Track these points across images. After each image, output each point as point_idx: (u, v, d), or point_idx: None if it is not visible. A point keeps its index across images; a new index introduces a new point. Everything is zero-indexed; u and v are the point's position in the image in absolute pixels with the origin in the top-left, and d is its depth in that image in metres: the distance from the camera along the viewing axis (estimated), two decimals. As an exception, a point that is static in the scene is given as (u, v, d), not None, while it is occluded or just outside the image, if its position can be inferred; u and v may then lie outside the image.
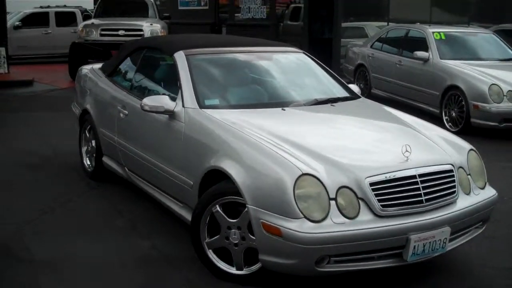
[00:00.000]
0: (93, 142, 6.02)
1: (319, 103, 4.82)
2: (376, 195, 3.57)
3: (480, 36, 10.43)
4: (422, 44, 9.91)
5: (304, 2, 15.37)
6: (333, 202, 3.51)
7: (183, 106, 4.48)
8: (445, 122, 8.89)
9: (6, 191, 5.79)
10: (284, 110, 4.53)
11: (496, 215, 4.90)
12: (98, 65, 6.51)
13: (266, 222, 3.53)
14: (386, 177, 3.63)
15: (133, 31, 13.67)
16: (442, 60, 9.44)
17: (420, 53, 9.68)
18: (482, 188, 4.16)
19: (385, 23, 14.93)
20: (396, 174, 3.66)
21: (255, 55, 5.24)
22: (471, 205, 3.94)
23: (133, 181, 5.39)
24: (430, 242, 3.67)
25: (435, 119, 7.83)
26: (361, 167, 3.68)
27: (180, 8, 20.20)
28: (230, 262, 3.91)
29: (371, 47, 11.59)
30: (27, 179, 6.18)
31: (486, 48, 10.07)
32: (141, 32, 13.63)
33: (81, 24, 15.12)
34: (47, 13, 19.02)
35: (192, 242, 4.04)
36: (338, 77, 5.47)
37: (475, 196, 4.03)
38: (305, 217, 3.45)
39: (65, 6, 20.46)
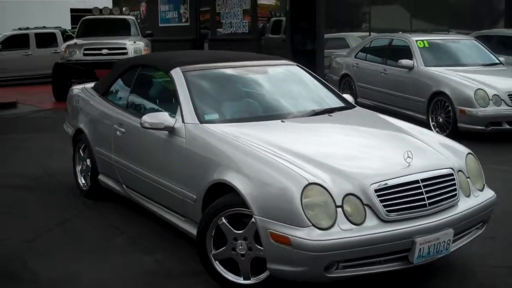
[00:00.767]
0: (88, 161, 6.02)
1: (317, 114, 4.90)
2: (381, 201, 3.64)
3: (462, 43, 10.62)
4: (406, 52, 10.06)
5: (286, 15, 15.50)
6: (339, 210, 3.57)
7: (183, 121, 4.53)
8: (432, 128, 9.02)
9: (2, 213, 5.76)
10: (284, 122, 4.60)
11: (492, 216, 4.99)
12: (90, 85, 6.52)
13: (275, 232, 3.58)
14: (389, 183, 3.71)
15: (116, 50, 13.68)
16: (426, 67, 9.59)
17: (405, 61, 9.83)
18: (481, 190, 4.26)
19: (367, 33, 15.12)
20: (399, 180, 3.74)
21: (249, 69, 5.31)
22: (472, 207, 4.03)
23: (131, 198, 5.40)
24: (434, 244, 3.75)
25: (423, 125, 7.83)
26: (366, 174, 3.75)
27: (160, 25, 20.25)
28: (237, 273, 3.95)
29: (355, 57, 11.74)
30: (22, 201, 6.15)
31: (468, 54, 10.26)
32: (125, 51, 13.65)
33: (63, 45, 15.09)
34: (27, 35, 18.96)
35: (198, 254, 4.06)
36: (332, 88, 5.56)
37: (475, 198, 4.13)
38: (313, 225, 3.50)
39: (44, 27, 20.41)
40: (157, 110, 5.02)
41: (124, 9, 16.51)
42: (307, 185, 3.57)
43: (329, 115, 4.89)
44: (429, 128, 8.83)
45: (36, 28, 19.97)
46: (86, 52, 13.74)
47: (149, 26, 19.23)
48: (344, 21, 17.50)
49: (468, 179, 4.19)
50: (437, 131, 8.87)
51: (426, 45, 10.07)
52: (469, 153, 4.40)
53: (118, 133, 5.35)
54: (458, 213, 3.90)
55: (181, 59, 5.26)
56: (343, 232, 3.52)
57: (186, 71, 4.95)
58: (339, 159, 3.95)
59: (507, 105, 8.52)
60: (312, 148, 4.09)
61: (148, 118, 4.59)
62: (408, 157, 3.86)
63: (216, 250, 3.98)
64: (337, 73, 12.33)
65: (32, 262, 4.55)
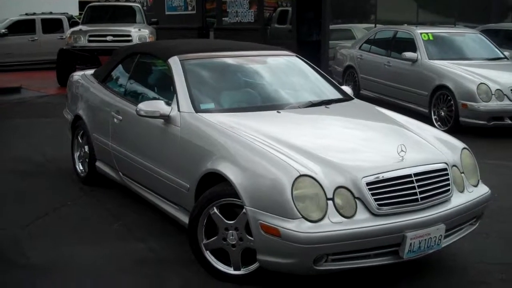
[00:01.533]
0: (86, 148, 6.03)
1: (314, 105, 4.87)
2: (373, 194, 3.62)
3: (467, 36, 10.55)
4: (410, 45, 10.01)
5: (292, 5, 15.44)
6: (330, 202, 3.56)
7: (178, 110, 4.52)
8: (434, 122, 8.99)
9: (-1, 198, 5.79)
10: (279, 112, 4.58)
11: (487, 212, 4.97)
12: (90, 71, 6.52)
13: (265, 223, 3.57)
14: (382, 176, 3.69)
15: (121, 37, 13.67)
16: (430, 61, 9.54)
17: (409, 54, 9.77)
18: (475, 186, 4.23)
19: (372, 25, 15.03)
20: (392, 174, 3.72)
21: (248, 59, 5.28)
22: (465, 203, 4.01)
23: (127, 185, 5.40)
24: (425, 239, 3.73)
25: (424, 119, 7.88)
26: (357, 167, 3.74)
27: (167, 13, 20.21)
28: (227, 263, 3.95)
29: (359, 48, 11.68)
30: (20, 186, 6.17)
31: (473, 48, 10.19)
32: (129, 38, 13.63)
33: (69, 31, 15.08)
34: (33, 20, 18.94)
35: (189, 244, 4.07)
36: (331, 79, 5.54)
37: (468, 194, 4.10)
38: (303, 217, 3.49)
39: (51, 13, 20.38)
40: (154, 98, 5.01)
41: (130, -4, 16.51)
42: (298, 177, 3.56)
43: (326, 107, 4.87)
44: (431, 122, 8.81)
45: (42, 13, 19.95)
46: (90, 38, 13.73)
47: (156, 14, 19.20)
48: (351, 12, 17.40)
49: (463, 174, 4.16)
50: (438, 125, 8.85)
51: (431, 38, 10.01)
52: (464, 148, 4.36)
53: (115, 120, 5.35)
54: (450, 209, 3.87)
55: (179, 48, 5.24)
56: (333, 225, 3.51)
57: (184, 59, 4.93)
58: (332, 151, 3.93)
59: (510, 100, 8.46)
60: (305, 140, 4.07)
61: (143, 106, 4.58)
62: (402, 150, 3.84)
63: (207, 240, 3.99)
64: (341, 64, 12.28)
65: (27, 247, 4.57)
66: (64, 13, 20.70)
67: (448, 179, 3.95)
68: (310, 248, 3.48)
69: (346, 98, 5.22)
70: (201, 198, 4.02)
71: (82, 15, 15.62)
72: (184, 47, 5.36)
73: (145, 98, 5.15)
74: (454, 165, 4.11)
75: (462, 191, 4.07)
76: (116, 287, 4.01)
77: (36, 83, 14.67)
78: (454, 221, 3.93)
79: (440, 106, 9.01)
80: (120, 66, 5.89)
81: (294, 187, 3.53)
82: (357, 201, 3.62)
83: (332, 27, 15.29)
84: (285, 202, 3.52)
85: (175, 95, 4.65)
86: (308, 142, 4.04)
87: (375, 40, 11.48)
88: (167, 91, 4.87)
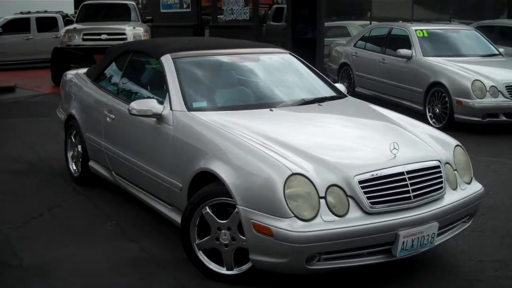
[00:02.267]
0: (79, 147, 6.00)
1: (307, 103, 4.85)
2: (365, 193, 3.61)
3: (462, 33, 10.53)
4: (405, 42, 9.99)
5: (287, 3, 15.42)
6: (323, 201, 3.54)
7: (171, 109, 4.49)
8: (429, 119, 8.97)
9: (-8, 198, 5.76)
10: (272, 110, 4.56)
11: (482, 209, 4.97)
12: (83, 70, 6.49)
13: (257, 222, 3.56)
14: (374, 174, 3.67)
15: (115, 35, 13.62)
16: (425, 57, 9.53)
17: (403, 51, 9.76)
18: (469, 183, 4.21)
19: (368, 22, 15.02)
20: (384, 172, 3.71)
21: (241, 56, 5.26)
22: (458, 200, 3.99)
23: (120, 185, 5.38)
24: (418, 238, 3.72)
25: (419, 116, 7.88)
26: (350, 165, 3.72)
27: (162, 10, 20.16)
28: (220, 263, 3.94)
29: (354, 46, 11.66)
30: (14, 185, 6.14)
31: (468, 45, 10.17)
32: (124, 36, 13.59)
33: (63, 29, 15.03)
34: (28, 19, 18.87)
35: (182, 243, 4.05)
36: (325, 77, 5.52)
37: (462, 191, 4.09)
38: (295, 216, 3.47)
39: (46, 11, 20.32)
40: (147, 97, 4.98)
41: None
42: (290, 176, 3.54)
43: (319, 105, 4.85)
44: (426, 119, 8.80)
45: (37, 12, 19.88)
46: (85, 37, 13.70)
47: (151, 12, 19.15)
48: (346, 9, 17.38)
49: (456, 172, 4.15)
50: (433, 122, 8.84)
51: (425, 34, 9.99)
52: (457, 145, 4.35)
53: (108, 119, 5.32)
54: (443, 206, 3.86)
55: (172, 46, 5.21)
56: (325, 223, 3.49)
57: (176, 57, 4.91)
58: (325, 149, 3.91)
59: (505, 96, 8.46)
60: (298, 138, 4.05)
61: (136, 105, 4.56)
62: (394, 148, 3.82)
63: (200, 240, 3.97)
64: (336, 62, 12.25)
65: (20, 248, 4.55)
66: (59, 11, 20.65)
67: (441, 177, 3.93)
68: (302, 247, 3.46)
69: (339, 95, 5.20)
70: (194, 197, 3.99)
71: (77, 14, 15.57)
72: (177, 45, 5.33)
73: (137, 96, 5.13)
74: (447, 163, 4.09)
75: (455, 189, 4.06)
76: (109, 287, 3.98)
77: (31, 82, 14.62)
78: (447, 219, 3.91)
79: (435, 103, 9.00)
80: (112, 64, 5.86)
81: (286, 186, 3.51)
82: (349, 199, 3.60)
83: (327, 24, 15.27)
84: (277, 201, 3.50)
85: (167, 93, 4.62)
86: (301, 140, 4.02)
87: (370, 37, 11.46)
88: (159, 89, 4.84)
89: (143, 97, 5.01)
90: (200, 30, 18.51)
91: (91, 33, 13.76)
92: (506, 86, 8.50)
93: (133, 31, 13.88)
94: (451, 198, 3.95)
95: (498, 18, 14.85)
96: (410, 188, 3.72)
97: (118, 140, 5.22)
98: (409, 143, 4.17)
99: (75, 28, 14.15)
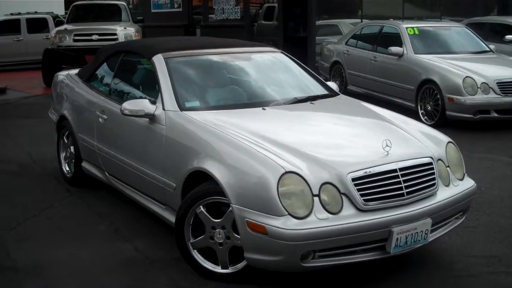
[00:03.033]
0: (72, 148, 5.99)
1: (299, 102, 4.86)
2: (358, 190, 3.62)
3: (453, 30, 10.57)
4: (396, 39, 10.02)
5: (278, 1, 15.40)
6: (316, 199, 3.55)
7: (163, 109, 4.49)
8: (421, 116, 9.00)
9: (-15, 200, 5.74)
10: (265, 109, 4.57)
11: (475, 205, 5.00)
12: (74, 71, 6.47)
13: (251, 221, 3.56)
14: (367, 172, 3.69)
15: (106, 36, 13.60)
16: (416, 55, 9.55)
17: (395, 49, 9.78)
18: (461, 180, 4.23)
19: (359, 20, 15.04)
20: (377, 169, 3.72)
21: (233, 56, 5.26)
22: (451, 196, 4.01)
23: (113, 185, 5.38)
24: (412, 234, 3.74)
25: (411, 113, 7.91)
26: (343, 163, 3.73)
27: (153, 10, 20.06)
28: (215, 262, 3.94)
29: (346, 44, 11.67)
30: (6, 187, 6.13)
31: (459, 42, 10.21)
32: (115, 36, 13.57)
33: (54, 30, 14.99)
34: (18, 20, 18.79)
35: (176, 243, 4.05)
36: (317, 75, 5.53)
37: (454, 188, 4.11)
38: (289, 214, 3.48)
39: (36, 12, 20.24)
40: (139, 97, 4.98)
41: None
42: (284, 174, 3.55)
43: (311, 103, 4.86)
44: (418, 116, 8.82)
45: (27, 13, 19.80)
46: (76, 37, 13.67)
47: (142, 12, 19.11)
48: (337, 7, 17.40)
49: (448, 168, 4.17)
50: (425, 119, 8.87)
51: (416, 32, 10.02)
52: (449, 142, 4.37)
53: (100, 120, 5.32)
54: (436, 203, 3.88)
55: (164, 46, 5.21)
56: (319, 221, 3.50)
57: (168, 57, 4.91)
58: (318, 147, 3.92)
59: (496, 93, 8.49)
60: (290, 136, 4.07)
61: (128, 105, 4.55)
62: (387, 145, 3.84)
63: (195, 239, 3.97)
64: (328, 60, 12.27)
65: (13, 249, 4.54)
66: (49, 12, 20.57)
67: (433, 173, 3.95)
68: (296, 245, 3.47)
69: (331, 93, 5.21)
70: (188, 196, 4.00)
71: (67, 14, 15.52)
72: (168, 44, 5.33)
73: (129, 97, 5.12)
74: (439, 159, 4.11)
75: (447, 185, 4.08)
76: (103, 287, 3.98)
77: (22, 83, 14.57)
78: (440, 215, 3.94)
79: (426, 100, 9.03)
80: (104, 65, 5.85)
81: (279, 184, 3.52)
82: (343, 197, 3.61)
83: (318, 22, 15.27)
84: (271, 199, 3.51)
85: (159, 93, 4.62)
86: (293, 138, 4.03)
87: (361, 35, 11.48)
88: (151, 89, 4.84)
89: (135, 97, 5.01)
90: (191, 30, 18.46)
91: (82, 33, 13.73)
92: (497, 83, 8.54)
93: (124, 31, 13.87)
94: (444, 194, 3.98)
95: (488, 15, 14.91)
96: (403, 185, 3.74)
97: (111, 141, 5.21)
98: (401, 140, 4.18)
99: (65, 29, 14.11)
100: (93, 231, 4.92)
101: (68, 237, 4.79)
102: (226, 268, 3.89)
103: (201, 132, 4.16)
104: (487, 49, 10.09)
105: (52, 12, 20.92)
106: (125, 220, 5.11)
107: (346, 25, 15.29)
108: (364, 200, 3.62)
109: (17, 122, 9.79)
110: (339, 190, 3.61)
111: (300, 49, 13.58)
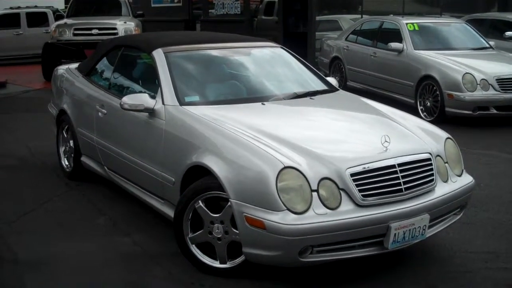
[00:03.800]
0: (71, 142, 5.99)
1: (298, 97, 4.86)
2: (357, 185, 3.63)
3: (453, 26, 10.57)
4: (396, 35, 10.01)
5: (278, -3, 15.40)
6: (315, 194, 3.56)
7: (163, 103, 4.50)
8: (420, 112, 9.01)
9: (-15, 194, 5.75)
10: (264, 104, 4.57)
11: (473, 201, 5.01)
12: (74, 65, 6.48)
13: (249, 216, 3.57)
14: (366, 167, 3.69)
15: (106, 30, 13.55)
16: (416, 51, 9.55)
17: (394, 45, 9.78)
18: (459, 176, 4.24)
19: (359, 16, 15.03)
20: (376, 164, 3.73)
21: (233, 50, 5.26)
22: (449, 192, 4.02)
23: (113, 180, 5.38)
24: (410, 230, 3.75)
25: (410, 109, 7.91)
26: (342, 158, 3.74)
27: (153, 5, 20.08)
28: (213, 256, 3.95)
29: (346, 39, 11.67)
30: (6, 181, 6.14)
31: (459, 38, 10.20)
32: (115, 31, 13.52)
33: (53, 24, 14.94)
34: (18, 14, 18.76)
35: (175, 237, 4.06)
36: (316, 71, 5.54)
37: (452, 184, 4.12)
38: (287, 209, 3.49)
39: (36, 6, 20.21)
40: (139, 92, 4.98)
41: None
42: (282, 169, 3.56)
43: (311, 98, 4.86)
44: (417, 112, 8.83)
45: (27, 7, 19.77)
46: (76, 32, 13.62)
47: (142, 7, 19.07)
48: (337, 3, 17.39)
49: (447, 164, 4.18)
50: (424, 115, 8.88)
51: (416, 28, 10.02)
52: (448, 137, 4.38)
53: (99, 114, 5.32)
54: (434, 199, 3.89)
55: (163, 40, 5.21)
56: (318, 216, 3.51)
57: (168, 52, 4.91)
58: (317, 143, 3.93)
59: (495, 89, 8.50)
60: (290, 131, 4.07)
61: (127, 99, 4.56)
62: (386, 141, 3.84)
63: (193, 233, 3.98)
64: (328, 56, 12.26)
65: (13, 243, 4.55)
66: (49, 6, 20.55)
67: (432, 169, 3.96)
68: (295, 240, 3.48)
69: (331, 89, 5.22)
70: (186, 191, 4.01)
71: (67, 8, 15.49)
72: (168, 39, 5.33)
73: (129, 91, 5.12)
74: (438, 155, 4.12)
75: (446, 181, 4.08)
76: (102, 281, 3.99)
77: (21, 77, 14.56)
78: (438, 211, 3.95)
79: (426, 96, 9.04)
80: (104, 59, 5.85)
81: (278, 179, 3.53)
82: (341, 192, 3.62)
83: (318, 18, 15.26)
84: (270, 194, 3.52)
85: (159, 88, 4.63)
86: (293, 133, 4.04)
87: (361, 30, 11.47)
88: (151, 84, 4.85)
89: (135, 92, 5.00)
90: (191, 25, 18.45)
91: (82, 28, 13.69)
92: (496, 79, 8.54)
93: (124, 25, 13.83)
94: (442, 190, 3.98)
95: (488, 12, 14.90)
96: (401, 180, 3.75)
97: (110, 135, 5.22)
98: (400, 136, 4.19)
99: (65, 23, 14.07)
100: (92, 225, 4.93)
101: (68, 230, 4.80)
102: (225, 263, 3.91)
103: (200, 126, 4.17)
104: (487, 45, 10.10)
105: (52, 6, 20.93)
106: (124, 215, 5.12)
107: (346, 20, 15.28)
108: (363, 195, 3.62)
109: (17, 116, 9.80)
110: (337, 186, 3.62)
111: (300, 44, 13.58)
